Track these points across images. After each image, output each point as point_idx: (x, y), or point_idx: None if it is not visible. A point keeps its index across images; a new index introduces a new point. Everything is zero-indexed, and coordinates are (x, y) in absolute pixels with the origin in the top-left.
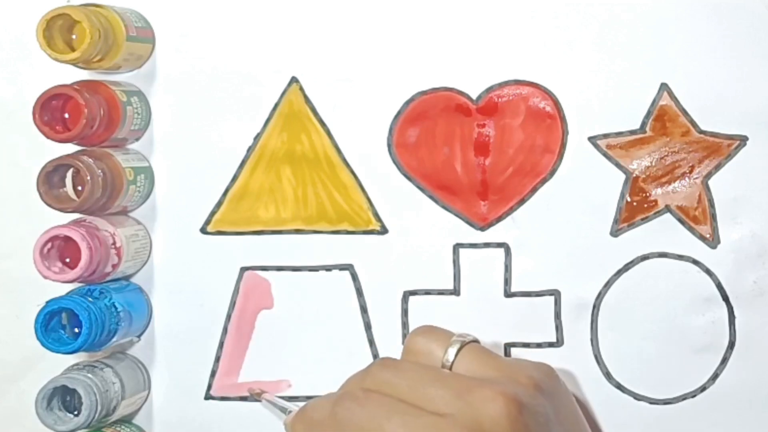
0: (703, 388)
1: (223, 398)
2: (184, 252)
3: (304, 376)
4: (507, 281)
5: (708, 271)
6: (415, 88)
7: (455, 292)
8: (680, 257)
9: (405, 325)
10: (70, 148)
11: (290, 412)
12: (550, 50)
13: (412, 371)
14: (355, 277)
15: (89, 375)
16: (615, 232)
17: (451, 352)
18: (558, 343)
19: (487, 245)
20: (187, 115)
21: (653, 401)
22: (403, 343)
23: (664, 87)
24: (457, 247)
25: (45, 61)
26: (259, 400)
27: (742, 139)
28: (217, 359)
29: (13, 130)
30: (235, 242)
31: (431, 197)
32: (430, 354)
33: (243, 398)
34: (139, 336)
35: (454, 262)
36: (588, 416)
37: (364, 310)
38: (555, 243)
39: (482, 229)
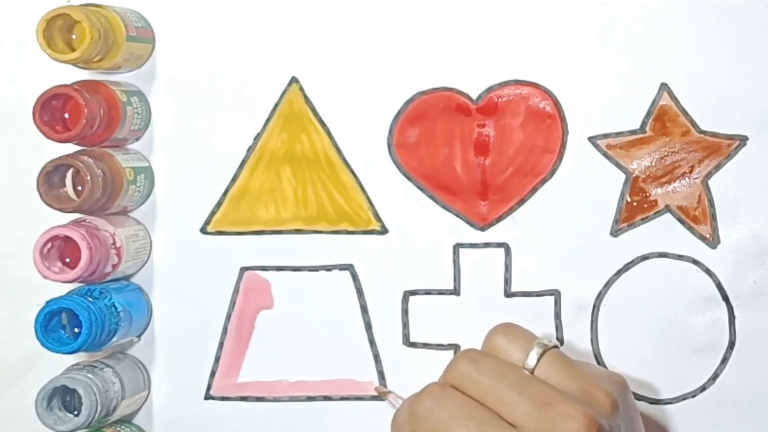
0: (703, 388)
1: (222, 398)
2: (184, 252)
3: (304, 377)
4: (507, 281)
5: (708, 271)
6: (415, 88)
7: (455, 292)
8: (680, 257)
9: (405, 325)
10: (70, 148)
11: None
12: (550, 50)
13: (496, 370)
14: (355, 277)
15: (89, 375)
16: (615, 232)
17: (533, 356)
18: (558, 343)
19: (487, 245)
20: (187, 115)
21: (653, 401)
22: (404, 343)
23: (664, 87)
24: (457, 247)
25: (45, 61)
26: (383, 399)
27: (742, 139)
28: (217, 359)
29: (13, 130)
30: (235, 242)
31: (431, 197)
32: (509, 354)
33: (243, 398)
34: (139, 336)
35: (454, 262)
36: None
37: (364, 310)
38: (555, 243)
39: (482, 229)
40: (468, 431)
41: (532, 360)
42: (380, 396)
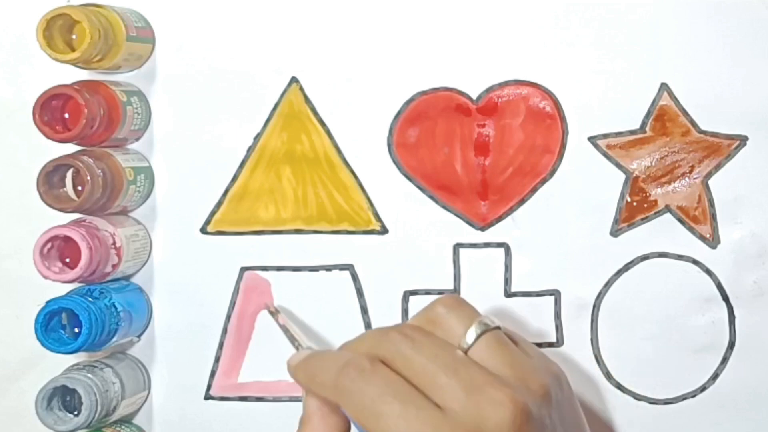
0: (703, 388)
1: (222, 398)
2: (184, 252)
3: None
4: (507, 281)
5: (708, 271)
6: (415, 88)
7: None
8: (680, 257)
9: None
10: (70, 148)
11: (299, 347)
12: (550, 50)
13: (429, 350)
14: (355, 277)
15: (89, 375)
16: (615, 232)
17: (471, 334)
18: (558, 343)
19: (487, 245)
20: (187, 115)
21: (653, 401)
22: None
23: (664, 87)
24: (457, 247)
25: (45, 61)
26: (274, 318)
27: (742, 139)
28: (217, 359)
29: (13, 130)
30: (235, 242)
31: (431, 197)
32: (449, 329)
33: (243, 398)
34: (139, 336)
35: (454, 262)
36: (588, 416)
37: (364, 310)
38: (555, 243)
39: (482, 229)
40: (392, 410)
41: (470, 337)
42: (271, 315)
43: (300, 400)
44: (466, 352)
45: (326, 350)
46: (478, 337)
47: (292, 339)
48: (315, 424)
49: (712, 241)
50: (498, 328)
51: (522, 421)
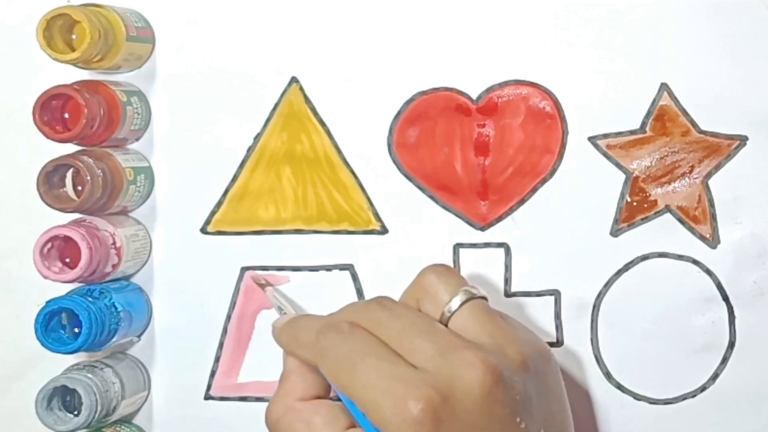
0: (703, 388)
1: (222, 398)
2: (184, 252)
3: None
4: (507, 281)
5: (708, 271)
6: (415, 88)
7: None
8: (680, 257)
9: None
10: (70, 148)
11: (284, 313)
12: (550, 50)
13: (406, 318)
14: (355, 277)
15: (89, 375)
16: (615, 232)
17: (456, 301)
18: (558, 343)
19: (487, 245)
20: (187, 115)
21: (653, 401)
22: None
23: (664, 87)
24: (457, 247)
25: (45, 61)
26: (264, 291)
27: (742, 139)
28: (217, 359)
29: (13, 130)
30: (235, 242)
31: (431, 197)
32: (436, 295)
33: (243, 398)
34: (139, 336)
35: (454, 262)
36: (588, 416)
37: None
38: (555, 243)
39: (482, 229)
40: (365, 364)
41: (454, 304)
42: (258, 286)
43: None
44: (449, 318)
45: (309, 314)
46: (462, 303)
47: (279, 309)
48: (293, 382)
49: (712, 241)
50: (484, 298)
51: (491, 383)
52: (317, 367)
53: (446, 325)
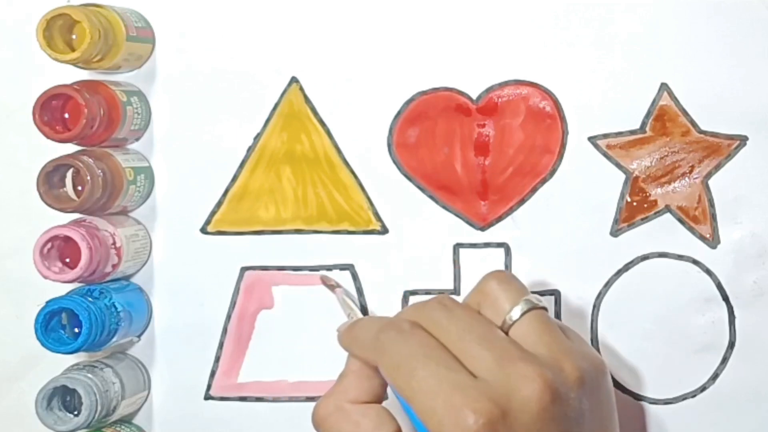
0: (703, 388)
1: (222, 398)
2: (184, 252)
3: (304, 377)
4: None
5: (708, 271)
6: (415, 88)
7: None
8: (680, 257)
9: None
10: (70, 148)
11: (352, 318)
12: (550, 50)
13: (466, 321)
14: (355, 277)
15: (89, 375)
16: (615, 232)
17: (516, 311)
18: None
19: (487, 245)
20: (187, 115)
21: (653, 401)
22: None
23: (664, 87)
24: (457, 247)
25: (45, 61)
26: (333, 292)
27: (742, 139)
28: (217, 359)
29: (13, 130)
30: (235, 242)
31: (431, 197)
32: (496, 303)
33: (242, 398)
34: (139, 336)
35: (454, 262)
36: None
37: (364, 310)
38: (555, 243)
39: (482, 229)
40: (426, 369)
41: (515, 313)
42: (326, 286)
43: (300, 401)
44: (510, 326)
45: (372, 316)
46: (524, 313)
47: (348, 314)
48: (349, 382)
49: (712, 241)
50: (544, 308)
51: (549, 400)
52: (377, 365)
53: (506, 334)
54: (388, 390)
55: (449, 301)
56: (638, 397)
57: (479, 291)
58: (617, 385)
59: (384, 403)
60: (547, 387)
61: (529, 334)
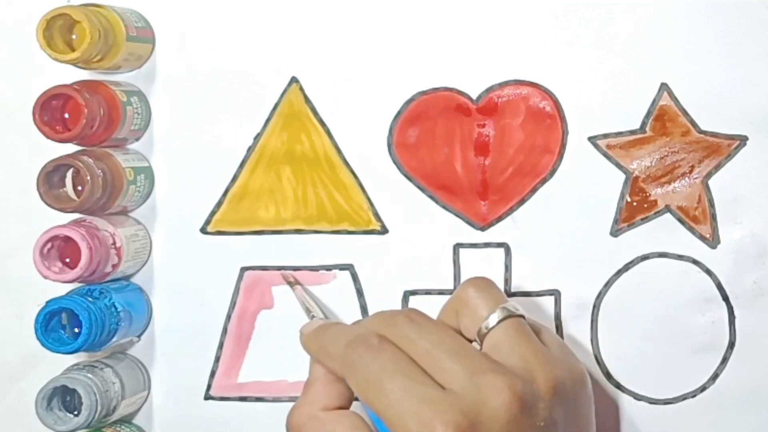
0: (703, 388)
1: (222, 398)
2: (184, 252)
3: (304, 377)
4: (507, 281)
5: (708, 271)
6: (415, 88)
7: None
8: (680, 257)
9: None
10: (70, 148)
11: (313, 317)
12: (550, 50)
13: (435, 335)
14: (355, 277)
15: (89, 375)
16: (615, 232)
17: (493, 318)
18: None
19: (487, 245)
20: (187, 115)
21: (653, 401)
22: None
23: (664, 87)
24: (457, 247)
25: (45, 61)
26: (293, 290)
27: (742, 139)
28: (217, 359)
29: (13, 130)
30: (235, 242)
31: (431, 197)
32: (474, 310)
33: (242, 398)
34: (139, 336)
35: (454, 262)
36: None
37: (364, 310)
38: (555, 243)
39: (482, 229)
40: (393, 383)
41: (492, 321)
42: (288, 284)
43: None
44: (486, 334)
45: (337, 322)
46: (500, 321)
47: (307, 310)
48: (318, 389)
49: (712, 241)
50: (521, 316)
51: (517, 410)
52: (345, 380)
53: (482, 341)
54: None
55: (417, 316)
56: (638, 397)
57: (457, 298)
58: (617, 385)
59: (354, 405)
60: (515, 397)
61: (504, 342)
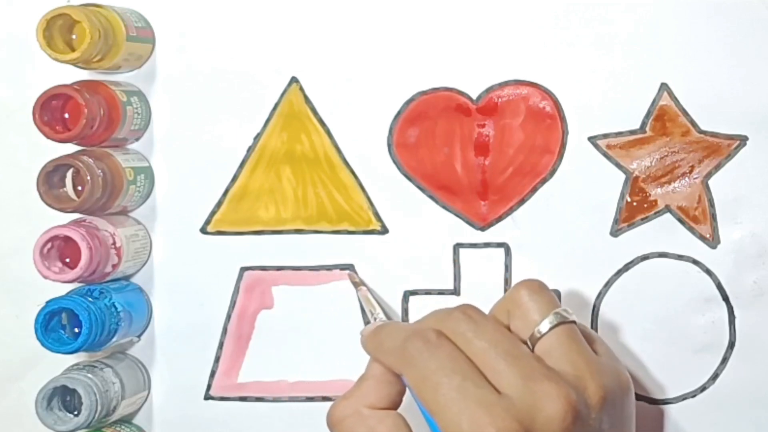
0: (703, 388)
1: (222, 398)
2: (184, 252)
3: (304, 377)
4: (507, 281)
5: (708, 271)
6: (415, 88)
7: (455, 292)
8: (680, 257)
9: None
10: (70, 148)
11: (375, 318)
12: (550, 50)
13: (492, 335)
14: None
15: (89, 375)
16: (615, 232)
17: (546, 324)
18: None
19: (487, 245)
20: (187, 115)
21: (653, 401)
22: None
23: (664, 87)
24: (457, 247)
25: (45, 61)
26: (357, 290)
27: (742, 139)
28: (217, 359)
29: (13, 130)
30: (235, 242)
31: (431, 197)
32: (526, 313)
33: (243, 398)
34: (139, 336)
35: (454, 262)
36: None
37: (364, 310)
38: (555, 243)
39: (482, 229)
40: (450, 383)
41: (544, 326)
42: (353, 284)
43: (299, 401)
44: (538, 339)
45: (396, 321)
46: (552, 327)
47: (369, 312)
48: (369, 387)
49: (712, 241)
50: (573, 322)
51: (570, 420)
52: (402, 375)
53: (534, 346)
54: (407, 398)
55: (475, 313)
56: (638, 397)
57: (510, 299)
58: None
59: (400, 410)
60: (570, 407)
61: (555, 348)
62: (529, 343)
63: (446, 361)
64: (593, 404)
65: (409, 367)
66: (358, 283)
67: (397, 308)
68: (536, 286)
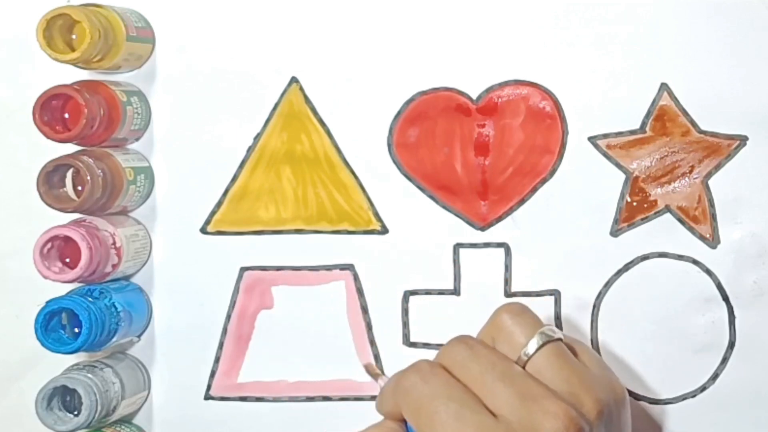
0: (703, 388)
1: (222, 398)
2: (184, 252)
3: (304, 377)
4: (507, 281)
5: (708, 271)
6: (415, 88)
7: (455, 292)
8: (680, 257)
9: (405, 324)
10: (70, 148)
11: None
12: (550, 50)
13: (487, 359)
14: (355, 277)
15: (89, 375)
16: (615, 232)
17: (533, 345)
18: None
19: (487, 245)
20: (187, 115)
21: (653, 401)
22: (404, 343)
23: (664, 87)
24: (457, 247)
25: (45, 61)
26: (377, 381)
27: (742, 139)
28: (217, 359)
29: (13, 130)
30: (235, 242)
31: (431, 197)
32: (512, 337)
33: (243, 398)
34: (139, 336)
35: (454, 262)
36: None
37: (364, 310)
38: (555, 243)
39: (482, 229)
40: (448, 411)
41: (531, 348)
42: (370, 375)
43: (300, 401)
44: (526, 361)
45: None
46: (539, 347)
47: None
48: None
49: (712, 241)
50: (560, 339)
51: None
52: (401, 411)
53: (523, 368)
54: None
55: (470, 339)
56: (638, 397)
57: (492, 325)
58: None
59: None
60: (571, 423)
61: (546, 368)
62: (518, 365)
63: (441, 389)
64: (592, 419)
65: (404, 399)
66: (378, 375)
67: (397, 308)
68: (517, 309)
